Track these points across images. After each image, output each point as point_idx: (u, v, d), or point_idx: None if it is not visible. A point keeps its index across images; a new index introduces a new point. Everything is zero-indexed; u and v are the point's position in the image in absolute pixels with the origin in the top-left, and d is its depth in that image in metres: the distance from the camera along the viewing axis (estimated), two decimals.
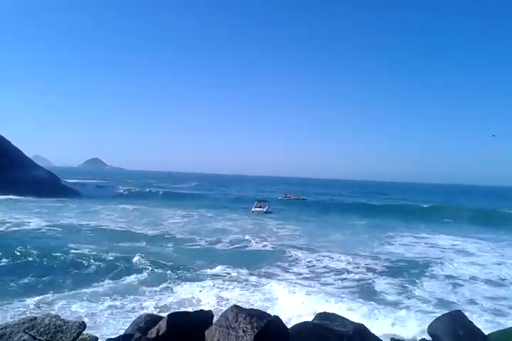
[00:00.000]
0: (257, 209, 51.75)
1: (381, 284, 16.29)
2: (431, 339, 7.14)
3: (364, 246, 25.07)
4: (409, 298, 14.42)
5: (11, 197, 48.42)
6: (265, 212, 49.86)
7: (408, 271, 18.71)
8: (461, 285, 16.43)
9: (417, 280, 16.95)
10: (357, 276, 17.47)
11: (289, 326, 6.64)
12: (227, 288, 14.27)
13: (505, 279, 17.63)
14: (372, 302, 13.21)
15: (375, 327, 9.53)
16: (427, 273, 18.38)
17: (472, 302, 13.94)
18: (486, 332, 7.35)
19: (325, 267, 18.93)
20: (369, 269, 18.81)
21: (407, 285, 16.19)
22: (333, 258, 20.56)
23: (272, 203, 55.67)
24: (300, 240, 27.09)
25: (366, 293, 15.03)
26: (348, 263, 19.79)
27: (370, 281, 16.67)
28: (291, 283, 15.56)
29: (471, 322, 7.13)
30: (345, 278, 17.11)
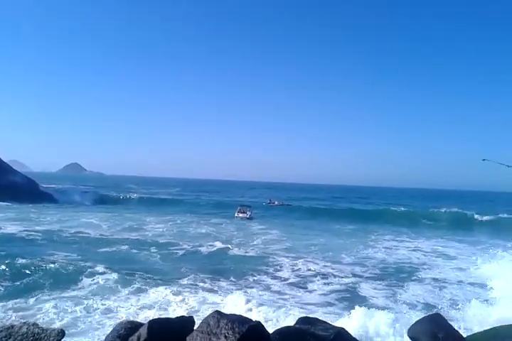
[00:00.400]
0: (240, 214, 51.01)
1: (366, 289, 16.45)
2: None
3: (348, 251, 25.30)
4: (394, 302, 14.62)
5: None
6: (248, 218, 49.31)
7: (394, 275, 18.97)
8: (445, 288, 16.76)
9: (402, 284, 17.19)
10: (341, 281, 17.56)
11: (270, 331, 6.64)
12: (195, 295, 14.20)
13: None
14: (356, 306, 13.29)
15: (356, 330, 9.60)
16: (413, 277, 18.65)
17: (454, 303, 14.16)
18: (465, 335, 7.48)
19: (309, 271, 18.97)
20: (354, 274, 18.96)
21: (392, 289, 16.41)
22: (317, 264, 20.59)
23: (256, 209, 55.56)
24: (283, 245, 27.12)
25: (351, 297, 15.16)
26: (332, 268, 19.83)
27: (356, 286, 16.78)
28: (264, 290, 15.55)
29: (450, 325, 7.23)
30: (329, 283, 17.16)
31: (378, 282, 17.52)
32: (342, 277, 18.17)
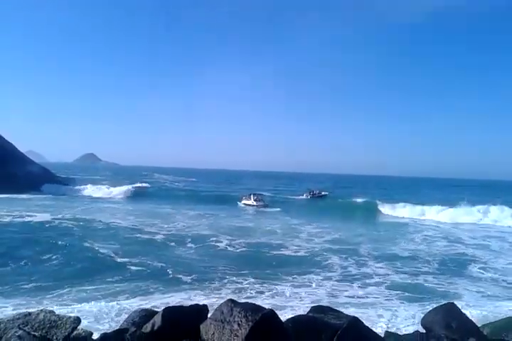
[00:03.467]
0: (249, 202, 46.43)
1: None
2: (424, 331, 7.19)
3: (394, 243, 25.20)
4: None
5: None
6: (263, 206, 44.94)
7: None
8: None
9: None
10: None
11: (283, 319, 6.67)
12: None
13: None
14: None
15: (370, 320, 9.60)
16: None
17: None
18: (479, 324, 7.43)
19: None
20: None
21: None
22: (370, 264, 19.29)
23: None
24: (329, 239, 25.78)
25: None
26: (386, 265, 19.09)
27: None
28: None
29: (464, 314, 7.19)
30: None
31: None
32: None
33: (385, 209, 45.46)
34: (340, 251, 21.51)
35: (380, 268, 18.19)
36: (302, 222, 34.05)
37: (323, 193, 62.91)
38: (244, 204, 47.81)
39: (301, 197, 62.26)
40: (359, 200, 50.52)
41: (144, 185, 64.10)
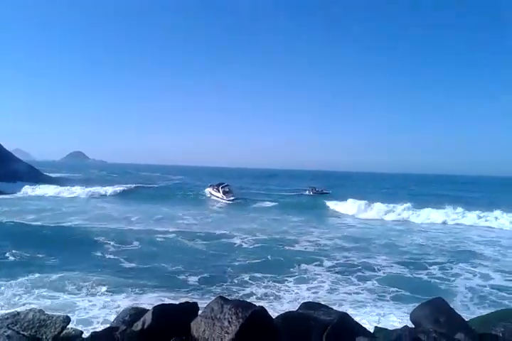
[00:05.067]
0: (217, 194, 43.52)
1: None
2: (413, 326, 7.26)
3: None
4: None
5: None
6: (232, 200, 42.50)
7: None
8: None
9: None
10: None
11: (273, 316, 6.70)
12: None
13: None
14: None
15: (359, 316, 9.68)
16: None
17: None
18: (467, 319, 7.52)
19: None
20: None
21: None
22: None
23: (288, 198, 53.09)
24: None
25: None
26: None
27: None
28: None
29: (452, 309, 7.27)
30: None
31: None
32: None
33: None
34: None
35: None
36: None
37: (324, 191, 63.21)
38: (211, 194, 46.04)
39: (303, 193, 62.18)
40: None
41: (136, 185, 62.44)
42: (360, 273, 16.95)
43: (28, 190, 50.92)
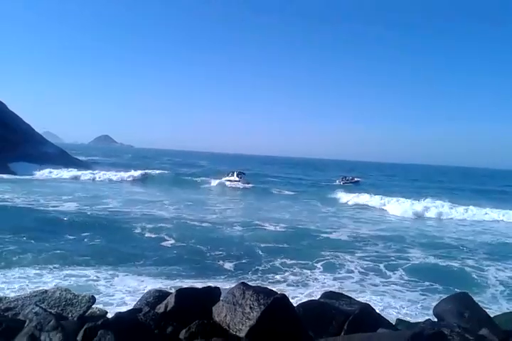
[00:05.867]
0: (232, 178, 45.84)
1: None
2: (436, 320, 7.17)
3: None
4: None
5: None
6: (246, 183, 44.71)
7: None
8: None
9: None
10: None
11: (295, 304, 6.70)
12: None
13: None
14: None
15: (382, 307, 9.62)
16: None
17: None
18: (492, 315, 7.39)
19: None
20: None
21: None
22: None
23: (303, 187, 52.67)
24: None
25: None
26: None
27: None
28: None
29: (477, 304, 7.14)
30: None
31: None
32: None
33: None
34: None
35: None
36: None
37: (355, 179, 62.21)
38: (227, 180, 47.32)
39: (334, 183, 61.52)
40: None
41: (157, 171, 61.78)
42: (390, 263, 17.06)
43: (52, 172, 51.26)
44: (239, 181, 46.82)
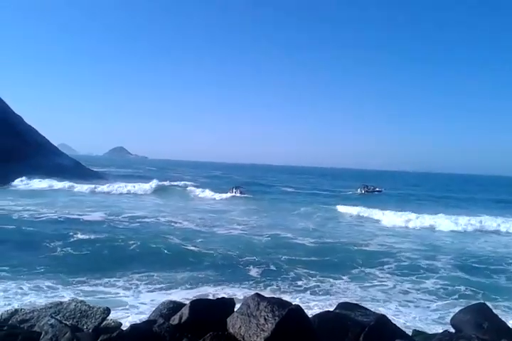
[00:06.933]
0: (234, 193, 51.86)
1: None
2: (454, 331, 7.06)
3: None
4: None
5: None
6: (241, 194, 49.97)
7: None
8: None
9: None
10: None
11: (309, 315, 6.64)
12: None
13: None
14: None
15: (398, 318, 9.49)
16: None
17: None
18: None
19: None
20: None
21: None
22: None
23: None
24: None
25: None
26: None
27: None
28: None
29: (496, 315, 7.02)
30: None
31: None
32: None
33: None
34: None
35: None
36: None
37: (377, 189, 62.01)
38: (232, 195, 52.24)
39: (355, 192, 61.44)
40: None
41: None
42: (417, 275, 16.86)
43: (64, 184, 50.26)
44: (241, 193, 51.87)
